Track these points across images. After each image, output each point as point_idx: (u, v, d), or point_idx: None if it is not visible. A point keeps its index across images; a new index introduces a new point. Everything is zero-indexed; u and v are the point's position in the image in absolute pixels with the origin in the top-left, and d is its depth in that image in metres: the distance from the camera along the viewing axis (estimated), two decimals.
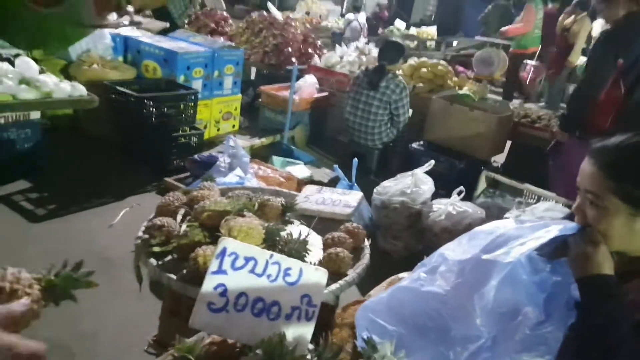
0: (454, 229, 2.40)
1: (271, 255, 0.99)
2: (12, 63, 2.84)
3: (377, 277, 1.77)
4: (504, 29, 6.67)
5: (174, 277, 1.39)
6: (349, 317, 1.65)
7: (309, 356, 0.92)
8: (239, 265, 0.97)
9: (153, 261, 1.45)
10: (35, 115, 3.00)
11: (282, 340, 0.86)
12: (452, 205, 2.54)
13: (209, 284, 0.94)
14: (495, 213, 2.67)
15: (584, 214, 1.11)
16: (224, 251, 0.97)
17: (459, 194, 2.58)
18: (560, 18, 6.10)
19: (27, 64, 2.84)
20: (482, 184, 3.06)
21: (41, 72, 2.92)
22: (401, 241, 2.74)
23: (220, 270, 0.95)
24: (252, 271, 0.97)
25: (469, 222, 2.45)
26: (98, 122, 3.58)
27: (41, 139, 3.08)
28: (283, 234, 1.52)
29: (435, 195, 2.81)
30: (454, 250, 1.13)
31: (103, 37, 3.67)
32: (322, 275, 1.01)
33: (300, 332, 0.95)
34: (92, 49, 3.61)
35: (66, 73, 3.46)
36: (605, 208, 1.05)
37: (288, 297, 0.97)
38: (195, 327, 0.95)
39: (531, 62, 6.73)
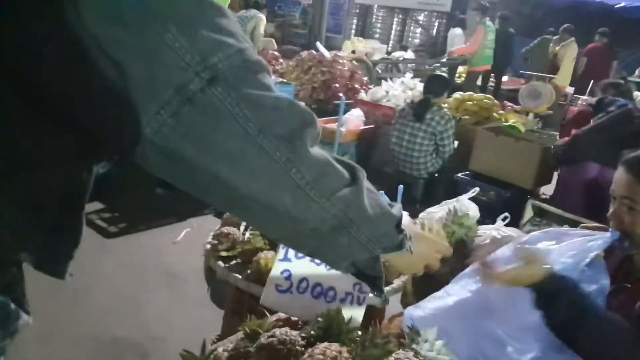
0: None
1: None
2: None
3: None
4: (452, 49, 7.35)
5: (239, 276, 1.57)
6: (395, 328, 1.76)
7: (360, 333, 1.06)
8: (301, 255, 1.13)
9: (221, 263, 1.64)
10: None
11: (339, 313, 1.00)
12: (497, 230, 2.60)
13: (277, 269, 1.11)
14: None
15: (620, 219, 1.21)
16: (286, 252, 1.14)
17: (503, 219, 2.65)
18: (551, 44, 6.36)
19: None
20: (528, 213, 3.10)
21: None
22: (447, 265, 2.80)
23: (285, 258, 1.12)
24: (312, 260, 1.12)
25: None
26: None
27: (112, 165, 3.40)
28: None
29: (480, 223, 2.88)
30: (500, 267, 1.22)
31: None
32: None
33: (352, 314, 1.09)
34: None
35: None
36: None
37: (342, 284, 1.12)
38: (265, 304, 1.11)
39: (583, 97, 6.81)
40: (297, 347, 0.91)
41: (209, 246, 1.72)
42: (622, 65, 8.37)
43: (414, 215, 3.03)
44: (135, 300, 2.33)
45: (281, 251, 1.13)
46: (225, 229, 1.76)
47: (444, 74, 4.11)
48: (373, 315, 1.75)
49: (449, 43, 8.96)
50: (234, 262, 1.67)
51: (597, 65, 7.33)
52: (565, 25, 7.13)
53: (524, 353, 1.11)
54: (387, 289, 1.57)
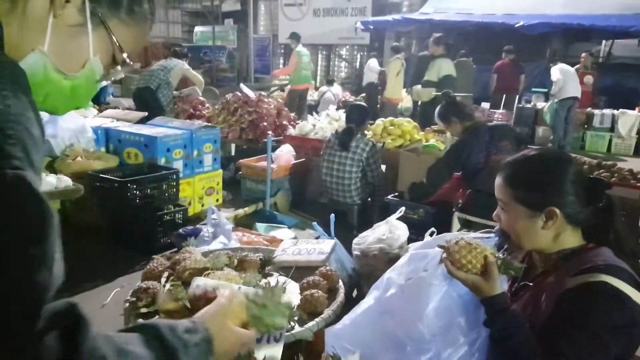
0: None
1: (239, 288, 1.11)
2: None
3: None
4: (275, 71, 8.71)
5: None
6: None
7: None
8: None
9: (141, 321, 1.55)
10: None
11: (250, 355, 0.97)
12: None
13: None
14: None
15: (499, 220, 1.33)
16: (196, 287, 1.09)
17: (430, 234, 2.72)
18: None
19: None
20: (455, 225, 3.21)
21: None
22: None
23: None
24: None
25: None
26: (85, 211, 3.72)
27: None
28: (261, 283, 1.65)
29: (412, 241, 2.95)
30: (399, 275, 1.28)
31: (85, 131, 3.91)
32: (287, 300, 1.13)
33: (270, 353, 1.06)
34: (75, 143, 3.84)
35: (52, 168, 3.64)
36: (511, 212, 1.27)
37: None
38: None
39: (498, 111, 7.37)
40: None
41: (127, 305, 1.63)
42: (529, 79, 9.04)
43: (351, 241, 3.07)
44: None
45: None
46: (145, 284, 1.68)
47: (363, 104, 4.26)
48: (305, 352, 1.71)
49: (366, 72, 9.40)
50: (156, 317, 1.59)
51: (507, 80, 7.92)
52: (392, 45, 8.13)
53: (422, 353, 1.15)
54: (316, 320, 1.54)
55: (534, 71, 9.53)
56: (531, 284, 1.26)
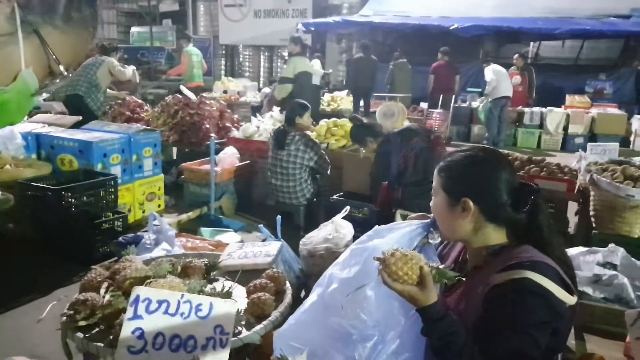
0: None
1: (182, 296, 1.10)
2: None
3: None
4: (169, 72, 9.23)
5: (101, 345, 1.43)
6: None
7: None
8: (153, 309, 1.06)
9: (80, 334, 1.49)
10: None
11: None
12: None
13: (127, 329, 1.03)
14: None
15: (432, 206, 1.43)
16: (137, 298, 1.07)
17: None
18: None
19: None
20: (398, 221, 3.29)
21: None
22: None
23: (135, 316, 1.05)
24: (166, 312, 1.07)
25: None
26: (16, 222, 3.51)
27: None
28: (207, 289, 1.62)
29: (357, 239, 3.00)
30: (340, 270, 1.31)
31: (14, 137, 3.68)
32: (231, 306, 1.13)
33: (216, 358, 1.05)
34: (2, 150, 3.61)
35: None
36: (437, 198, 1.37)
37: (202, 330, 1.07)
38: None
39: (436, 111, 7.63)
40: None
41: (64, 318, 1.55)
42: (464, 79, 9.43)
43: (297, 241, 3.08)
44: None
45: (130, 309, 1.06)
46: (82, 296, 1.61)
47: (299, 100, 4.26)
48: (255, 355, 1.70)
49: (316, 74, 9.41)
50: (96, 329, 1.52)
51: (443, 81, 8.23)
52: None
53: (367, 339, 1.19)
54: (264, 323, 1.54)
55: (468, 72, 9.96)
56: (464, 279, 1.32)
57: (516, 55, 8.71)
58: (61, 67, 0.72)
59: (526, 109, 8.63)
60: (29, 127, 4.11)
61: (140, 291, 1.08)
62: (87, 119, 4.82)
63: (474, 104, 8.72)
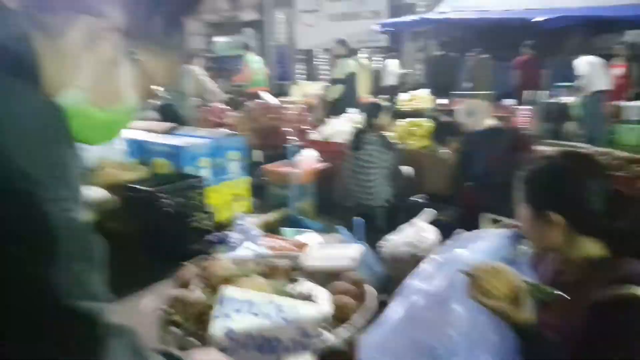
0: None
1: (266, 296, 1.13)
2: None
3: None
4: (233, 78, 9.45)
5: (194, 339, 1.52)
6: None
7: None
8: (240, 308, 1.11)
9: (174, 329, 1.59)
10: None
11: None
12: None
13: (215, 327, 1.08)
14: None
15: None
16: (224, 297, 1.12)
17: None
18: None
19: None
20: (484, 225, 3.16)
21: None
22: None
23: (223, 314, 1.10)
24: (252, 312, 1.11)
25: None
26: (118, 221, 3.81)
27: None
28: (289, 290, 1.66)
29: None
30: (422, 282, 1.28)
31: (116, 143, 4.00)
32: (315, 309, 1.14)
33: None
34: (106, 155, 3.93)
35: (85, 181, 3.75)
36: (521, 209, 1.29)
37: (286, 332, 1.10)
38: None
39: (523, 107, 7.23)
40: None
41: (159, 313, 1.66)
42: (552, 73, 8.84)
43: (376, 243, 3.06)
44: None
45: (217, 307, 1.11)
46: (175, 292, 1.72)
47: (377, 101, 4.25)
48: (342, 356, 1.71)
49: (385, 73, 9.35)
50: (188, 324, 1.61)
51: (529, 76, 7.78)
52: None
53: (453, 354, 1.14)
54: (347, 327, 1.55)
55: (556, 65, 9.32)
56: (560, 292, 1.24)
57: (618, 45, 8.00)
58: (157, 89, 0.79)
59: (626, 103, 7.92)
60: (129, 133, 4.45)
61: (227, 290, 1.13)
62: (178, 125, 5.13)
63: (566, 99, 8.15)
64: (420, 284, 1.29)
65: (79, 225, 0.62)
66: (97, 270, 0.67)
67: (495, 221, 3.14)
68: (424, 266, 1.34)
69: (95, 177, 3.72)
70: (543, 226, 1.24)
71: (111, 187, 3.56)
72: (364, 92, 7.91)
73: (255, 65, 9.40)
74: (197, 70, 6.26)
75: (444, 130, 3.55)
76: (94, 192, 3.17)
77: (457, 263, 1.22)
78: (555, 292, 1.15)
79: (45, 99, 0.65)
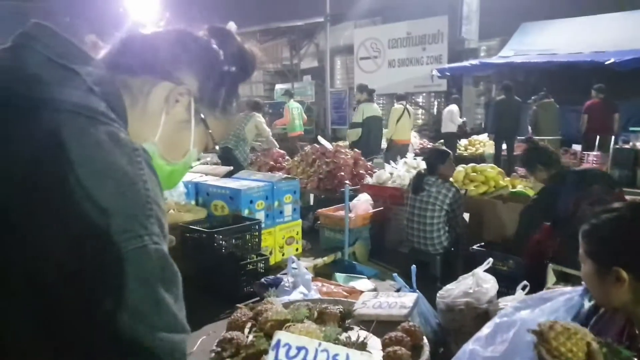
0: None
1: (319, 344, 1.10)
2: None
3: None
4: (275, 122, 9.94)
5: None
6: None
7: None
8: (293, 355, 1.08)
9: None
10: None
11: None
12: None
13: None
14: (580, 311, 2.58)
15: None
16: (278, 343, 1.10)
17: (523, 288, 2.54)
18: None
19: None
20: (551, 278, 2.97)
21: None
22: None
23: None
24: (304, 359, 1.08)
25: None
26: (177, 261, 3.91)
27: None
28: (342, 337, 1.61)
29: (502, 295, 2.77)
30: (484, 347, 1.20)
31: (177, 186, 4.18)
32: (367, 358, 1.10)
33: None
34: (168, 196, 4.10)
35: None
36: (585, 266, 1.23)
37: None
38: None
39: (592, 153, 6.93)
40: None
41: (212, 354, 1.66)
42: (625, 117, 8.42)
43: (434, 293, 2.95)
44: None
45: (271, 353, 1.09)
46: (229, 334, 1.71)
47: (441, 147, 4.18)
48: None
49: (445, 119, 9.26)
50: None
51: (599, 120, 7.44)
52: (397, 94, 8.84)
53: None
54: None
55: (630, 109, 8.88)
56: (636, 354, 1.12)
57: None
58: (216, 147, 0.88)
59: None
60: (189, 177, 4.64)
61: (282, 336, 1.11)
62: (237, 169, 5.31)
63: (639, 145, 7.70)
64: (479, 349, 1.21)
65: (168, 257, 0.67)
66: (181, 301, 0.70)
67: (562, 274, 2.95)
68: (485, 330, 1.25)
69: None
70: (608, 284, 1.15)
71: (170, 227, 3.67)
72: (404, 136, 8.19)
73: (295, 111, 10.02)
74: (259, 118, 6.54)
75: (537, 156, 3.28)
76: None
77: (522, 326, 1.14)
78: (631, 353, 1.05)
79: (141, 147, 0.71)
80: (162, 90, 0.78)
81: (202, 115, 0.82)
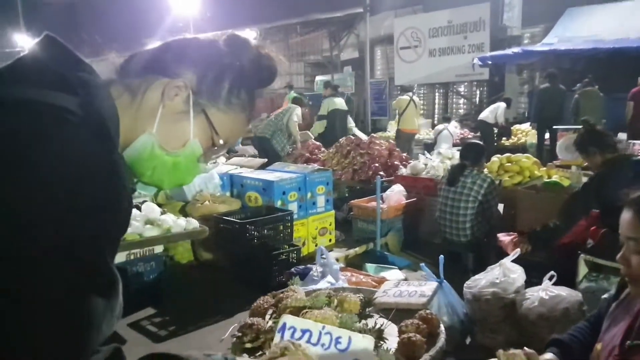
0: (550, 315, 2.30)
1: (323, 327, 1.15)
2: (139, 208, 3.45)
3: None
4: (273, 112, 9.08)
5: None
6: None
7: None
8: (297, 337, 1.14)
9: (245, 356, 1.65)
10: (159, 249, 3.53)
11: None
12: (544, 291, 2.46)
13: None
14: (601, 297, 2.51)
15: (628, 262, 1.18)
16: (284, 326, 1.16)
17: (550, 278, 2.50)
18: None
19: (151, 208, 3.44)
20: (582, 269, 2.89)
21: (162, 213, 3.51)
22: (500, 334, 2.64)
23: (282, 342, 1.13)
24: (308, 341, 1.14)
25: (565, 306, 2.33)
26: (210, 250, 4.07)
27: (164, 270, 3.58)
28: (359, 324, 1.66)
29: (530, 285, 2.74)
30: None
31: (212, 178, 4.32)
32: (369, 342, 1.14)
33: None
34: (204, 188, 4.25)
35: (184, 212, 4.07)
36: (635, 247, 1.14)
37: None
38: None
39: (638, 142, 6.59)
40: None
41: (234, 339, 1.74)
42: None
43: (464, 283, 2.93)
44: None
45: (277, 335, 1.15)
46: (250, 320, 1.78)
47: (478, 142, 4.11)
48: None
49: (494, 113, 9.01)
50: (259, 353, 1.67)
51: None
52: (401, 86, 9.77)
53: None
54: None
55: None
56: None
57: None
58: (220, 141, 0.89)
59: None
60: (225, 169, 4.79)
61: (287, 319, 1.17)
62: (273, 159, 5.43)
63: None
64: None
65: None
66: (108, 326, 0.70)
67: (595, 265, 2.86)
68: None
69: (192, 208, 4.04)
70: None
71: (206, 218, 3.84)
72: (410, 126, 8.42)
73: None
74: (297, 111, 6.66)
75: (592, 139, 3.11)
76: (188, 223, 3.43)
77: None
78: None
79: (108, 150, 0.74)
80: (159, 85, 0.83)
81: (202, 107, 0.85)
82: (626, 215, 1.19)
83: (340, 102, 8.17)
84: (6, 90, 0.69)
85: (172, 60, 0.85)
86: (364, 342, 1.14)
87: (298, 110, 6.78)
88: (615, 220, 1.31)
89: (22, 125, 0.65)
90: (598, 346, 1.32)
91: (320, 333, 1.14)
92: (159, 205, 3.76)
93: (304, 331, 1.15)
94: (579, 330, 1.52)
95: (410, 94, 8.68)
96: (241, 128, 0.93)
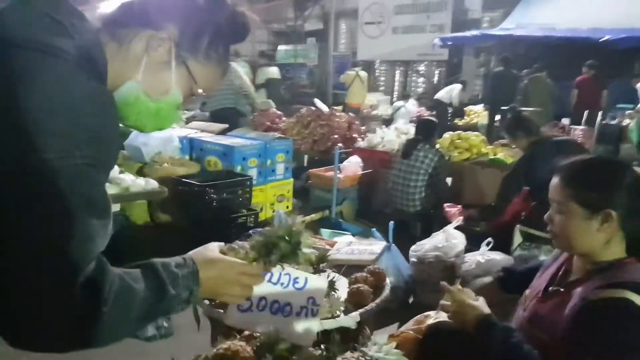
0: (485, 277, 2.56)
1: (283, 268, 1.29)
2: None
3: None
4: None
5: (222, 311, 1.71)
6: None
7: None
8: None
9: (206, 302, 1.78)
10: (115, 208, 3.55)
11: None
12: (481, 256, 2.71)
13: None
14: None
15: (552, 221, 1.35)
16: None
17: (487, 244, 2.76)
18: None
19: None
20: (517, 238, 3.19)
21: (121, 172, 3.53)
22: (440, 294, 2.88)
23: None
24: (269, 280, 1.27)
25: (498, 269, 2.59)
26: (168, 212, 4.12)
27: (120, 229, 3.61)
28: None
29: (468, 252, 2.99)
30: None
31: (172, 140, 4.34)
32: (323, 282, 1.30)
33: (308, 325, 1.23)
34: (162, 150, 4.26)
35: (141, 173, 4.07)
36: (567, 212, 1.28)
37: (297, 299, 1.26)
38: (228, 324, 1.25)
39: (579, 127, 7.04)
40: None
41: None
42: (615, 95, 8.49)
43: (409, 249, 3.16)
44: None
45: None
46: None
47: (432, 118, 4.34)
48: (350, 338, 1.85)
49: (449, 93, 9.33)
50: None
51: (588, 96, 7.58)
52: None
53: None
54: (360, 310, 1.68)
55: (619, 87, 8.94)
56: (562, 290, 1.30)
57: None
58: (199, 90, 0.99)
59: None
60: (184, 132, 4.80)
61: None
62: (233, 127, 5.43)
63: (625, 122, 7.82)
64: None
65: (101, 192, 0.78)
66: (102, 240, 0.80)
67: (528, 235, 3.16)
68: None
69: (150, 169, 4.06)
70: (592, 227, 1.24)
71: (165, 180, 3.87)
72: (356, 100, 8.82)
73: (240, 72, 10.36)
74: (238, 68, 6.45)
75: (519, 125, 3.44)
76: (147, 183, 3.47)
77: None
78: None
79: (102, 89, 0.84)
80: (143, 36, 0.90)
81: (183, 58, 0.93)
82: (554, 181, 1.34)
83: (274, 71, 8.44)
84: (5, 30, 0.74)
85: (156, 13, 0.92)
86: (319, 282, 1.29)
87: (239, 68, 6.61)
88: (544, 195, 1.51)
89: (25, 62, 0.72)
90: (527, 292, 1.52)
91: (280, 274, 1.27)
92: (117, 165, 3.76)
93: (265, 272, 1.28)
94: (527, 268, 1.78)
95: (357, 69, 9.05)
96: (217, 79, 1.02)
